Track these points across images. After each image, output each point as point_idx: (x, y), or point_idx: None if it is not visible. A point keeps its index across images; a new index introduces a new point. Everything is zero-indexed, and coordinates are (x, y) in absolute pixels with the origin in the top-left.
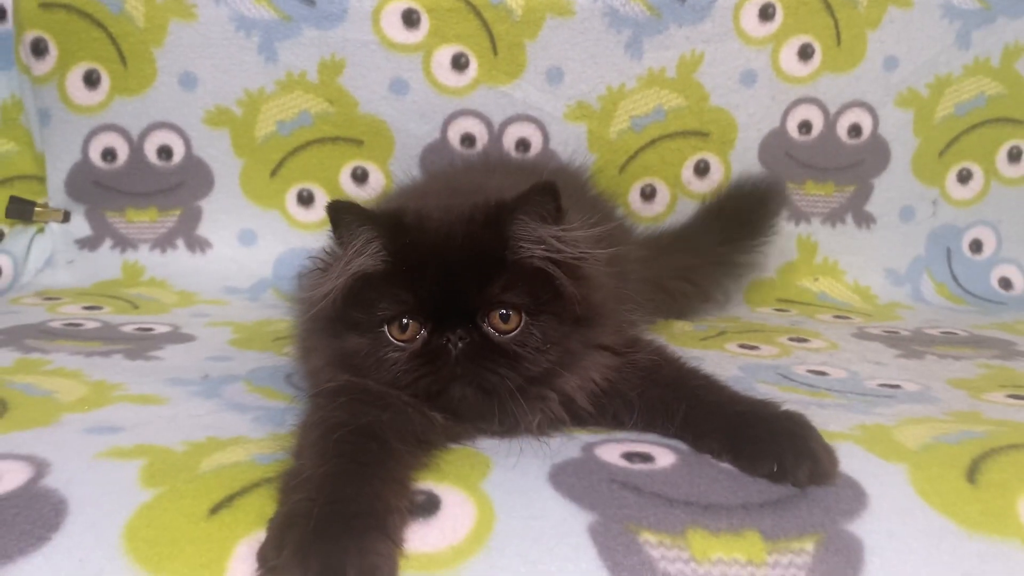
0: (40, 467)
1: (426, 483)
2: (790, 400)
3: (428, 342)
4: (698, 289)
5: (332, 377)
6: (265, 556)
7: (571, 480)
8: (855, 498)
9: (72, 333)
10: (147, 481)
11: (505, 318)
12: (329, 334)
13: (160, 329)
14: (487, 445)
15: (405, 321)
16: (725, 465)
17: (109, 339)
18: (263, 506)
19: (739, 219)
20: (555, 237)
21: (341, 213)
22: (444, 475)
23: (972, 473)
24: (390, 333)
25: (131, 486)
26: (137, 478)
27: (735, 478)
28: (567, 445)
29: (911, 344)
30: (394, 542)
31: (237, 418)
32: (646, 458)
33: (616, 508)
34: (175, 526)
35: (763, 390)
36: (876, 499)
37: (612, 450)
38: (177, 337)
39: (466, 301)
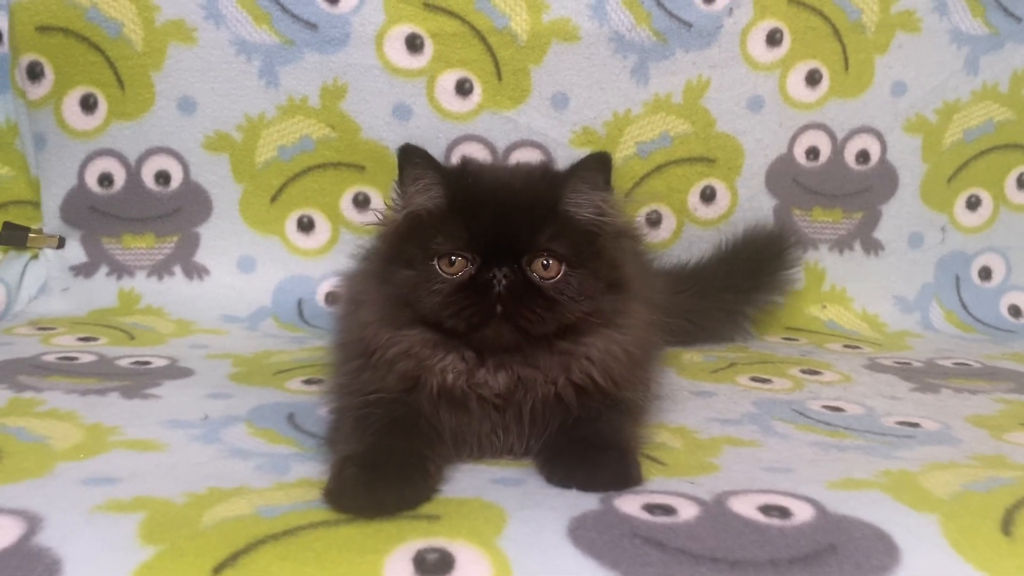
0: (33, 523)
1: (439, 539)
2: (809, 441)
3: (474, 276)
4: (699, 329)
5: (377, 333)
6: (326, 490)
7: (591, 535)
8: (887, 552)
9: (67, 368)
10: (146, 537)
11: (547, 265)
12: (380, 280)
13: (158, 363)
14: (501, 495)
15: (455, 256)
16: (750, 517)
17: (105, 375)
18: (269, 565)
19: (751, 271)
20: (603, 201)
21: (410, 155)
22: (457, 530)
23: (1007, 524)
24: (440, 266)
25: (130, 543)
26: (136, 534)
27: (761, 532)
28: (584, 497)
29: (925, 377)
30: (430, 482)
31: (239, 465)
32: (668, 510)
33: (640, 566)
34: None
35: (780, 429)
36: (909, 553)
37: (632, 501)
38: (175, 371)
39: (515, 244)
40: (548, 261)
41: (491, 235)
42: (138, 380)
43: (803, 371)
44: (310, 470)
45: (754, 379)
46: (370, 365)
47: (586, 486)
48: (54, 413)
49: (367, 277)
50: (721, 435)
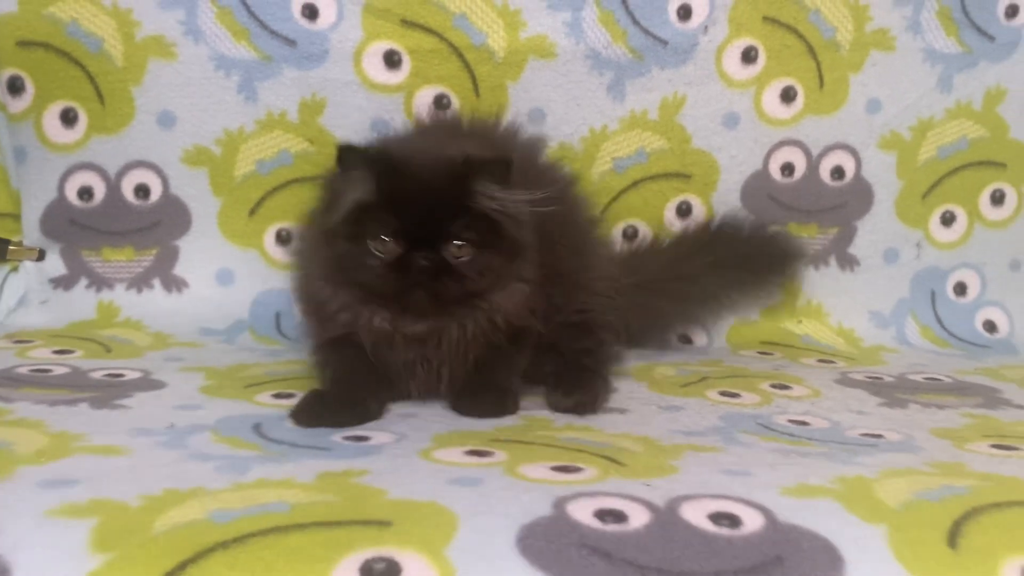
0: None
1: (388, 548)
2: (770, 448)
3: (401, 256)
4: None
5: (323, 288)
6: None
7: (540, 544)
8: (831, 564)
9: (39, 380)
10: (97, 545)
11: (459, 248)
12: (324, 243)
13: (130, 375)
14: (456, 497)
15: (387, 239)
16: (699, 526)
17: (76, 386)
18: (217, 574)
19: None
20: (504, 195)
21: (346, 154)
22: (407, 538)
23: (953, 537)
24: (374, 246)
25: (80, 551)
26: (87, 541)
27: (709, 543)
28: (538, 501)
29: (894, 392)
30: (365, 414)
31: (198, 467)
32: (619, 517)
33: None
34: None
35: (744, 440)
36: (853, 565)
37: (584, 506)
38: (147, 384)
39: (434, 232)
40: (460, 244)
41: (415, 224)
42: (108, 392)
43: (772, 385)
44: (270, 471)
45: (723, 393)
46: (321, 314)
47: (471, 413)
48: (22, 422)
49: (314, 237)
50: (685, 443)
